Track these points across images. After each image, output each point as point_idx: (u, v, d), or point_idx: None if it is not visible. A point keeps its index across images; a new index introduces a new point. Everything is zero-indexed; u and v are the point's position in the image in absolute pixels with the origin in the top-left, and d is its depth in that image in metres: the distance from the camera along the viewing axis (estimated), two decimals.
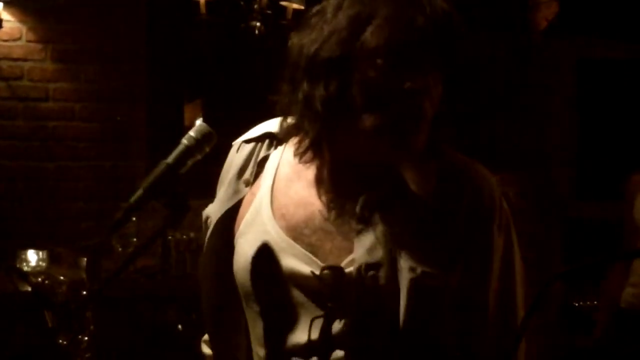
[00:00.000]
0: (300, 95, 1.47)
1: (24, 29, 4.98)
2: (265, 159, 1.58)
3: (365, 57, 1.41)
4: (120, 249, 4.23)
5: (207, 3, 4.71)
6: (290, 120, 1.53)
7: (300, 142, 1.53)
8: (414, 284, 1.38)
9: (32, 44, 5.00)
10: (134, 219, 1.45)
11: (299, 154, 1.52)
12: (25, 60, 5.01)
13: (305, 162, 1.52)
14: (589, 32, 4.33)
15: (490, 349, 1.46)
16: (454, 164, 1.49)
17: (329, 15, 1.46)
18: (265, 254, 1.48)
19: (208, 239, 1.60)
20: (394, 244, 1.41)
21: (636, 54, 4.97)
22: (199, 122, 1.54)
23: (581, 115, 4.64)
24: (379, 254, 1.40)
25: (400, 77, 1.40)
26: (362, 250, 1.42)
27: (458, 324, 1.44)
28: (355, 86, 1.42)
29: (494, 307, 1.46)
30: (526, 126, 4.77)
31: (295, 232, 1.48)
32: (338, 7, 1.45)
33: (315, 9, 1.51)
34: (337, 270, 1.42)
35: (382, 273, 1.40)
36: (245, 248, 1.51)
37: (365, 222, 1.44)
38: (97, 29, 5.05)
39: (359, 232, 1.43)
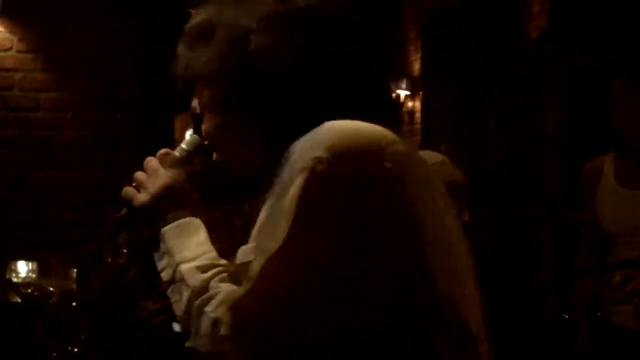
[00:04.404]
0: None
1: (14, 40, 4.98)
2: None
3: None
4: (110, 260, 4.21)
5: None
6: None
7: None
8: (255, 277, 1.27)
9: (22, 55, 5.00)
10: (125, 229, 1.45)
11: None
12: (16, 70, 5.00)
13: None
14: (581, 41, 4.34)
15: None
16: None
17: None
18: None
19: None
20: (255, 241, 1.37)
21: (631, 64, 4.97)
22: (189, 133, 1.53)
23: (573, 125, 4.65)
24: (250, 253, 1.36)
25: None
26: (240, 252, 1.39)
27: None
28: None
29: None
30: (517, 135, 4.78)
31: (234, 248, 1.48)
32: None
33: None
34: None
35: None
36: None
37: (248, 227, 1.41)
38: (88, 40, 5.04)
39: (246, 237, 1.41)
